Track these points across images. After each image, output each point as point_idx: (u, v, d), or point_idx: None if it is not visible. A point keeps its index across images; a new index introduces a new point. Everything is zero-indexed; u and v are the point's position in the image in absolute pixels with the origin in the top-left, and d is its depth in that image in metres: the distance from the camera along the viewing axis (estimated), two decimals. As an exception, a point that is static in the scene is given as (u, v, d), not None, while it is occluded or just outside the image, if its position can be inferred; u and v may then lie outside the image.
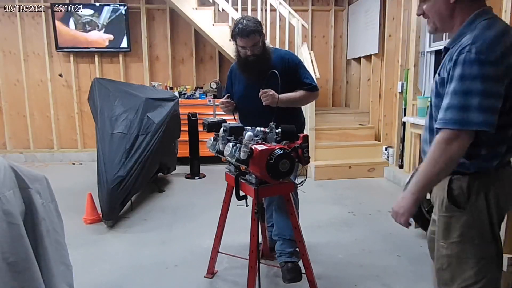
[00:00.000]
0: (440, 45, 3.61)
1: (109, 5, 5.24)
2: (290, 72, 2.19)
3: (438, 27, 1.26)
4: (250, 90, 2.19)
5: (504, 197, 1.22)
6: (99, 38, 5.30)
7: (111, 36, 5.31)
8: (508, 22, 2.51)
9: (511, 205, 1.28)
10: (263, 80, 2.05)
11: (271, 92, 2.05)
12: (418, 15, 1.30)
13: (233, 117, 2.33)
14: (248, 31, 2.05)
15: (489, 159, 1.19)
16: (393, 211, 1.29)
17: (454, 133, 1.11)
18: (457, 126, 1.10)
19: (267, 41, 2.33)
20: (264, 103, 2.08)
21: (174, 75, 5.65)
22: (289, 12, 4.71)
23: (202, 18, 4.77)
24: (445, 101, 1.13)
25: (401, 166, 4.29)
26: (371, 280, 2.24)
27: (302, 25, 4.77)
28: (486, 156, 1.19)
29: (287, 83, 2.15)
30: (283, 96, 2.10)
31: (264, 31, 2.19)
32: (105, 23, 5.27)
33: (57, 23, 5.17)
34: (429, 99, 1.33)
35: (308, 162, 1.78)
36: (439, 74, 1.23)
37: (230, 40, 4.90)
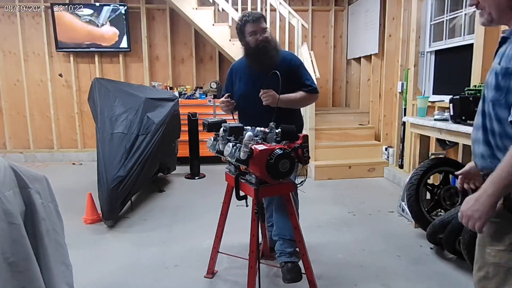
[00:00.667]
0: (440, 45, 3.61)
1: (109, 5, 5.24)
2: (292, 73, 2.21)
3: (495, 18, 1.15)
4: (251, 89, 2.19)
5: None
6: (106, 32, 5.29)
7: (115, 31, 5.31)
8: (508, 22, 2.51)
9: None
10: (265, 77, 2.05)
11: (272, 92, 2.06)
12: (471, 5, 1.20)
13: (232, 117, 2.32)
14: (256, 16, 2.14)
15: None
16: (465, 215, 1.12)
17: None
18: None
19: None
20: (264, 103, 2.08)
21: (174, 75, 5.65)
22: (289, 12, 4.71)
23: (202, 18, 4.77)
24: None
25: (401, 166, 4.29)
26: (371, 280, 2.23)
27: (302, 25, 4.77)
28: None
29: (288, 84, 2.17)
30: (283, 96, 2.10)
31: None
32: (104, 23, 5.26)
33: (62, 15, 5.16)
34: (481, 93, 1.23)
35: (308, 162, 1.78)
36: (499, 64, 1.10)
37: (230, 40, 4.87)
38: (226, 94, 2.26)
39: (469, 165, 1.38)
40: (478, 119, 1.20)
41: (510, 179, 1.02)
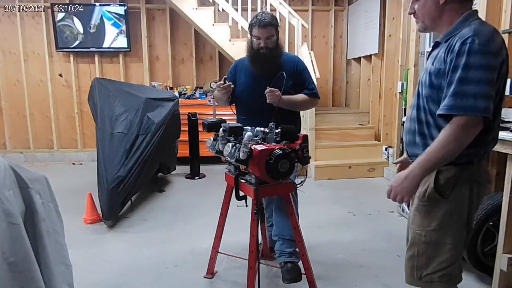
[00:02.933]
0: (440, 45, 3.61)
1: (108, 5, 5.24)
2: (297, 76, 2.25)
3: (427, 26, 1.34)
4: (254, 84, 2.20)
5: (483, 187, 1.34)
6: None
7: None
8: (508, 22, 2.51)
9: (484, 194, 1.41)
10: (269, 77, 2.06)
11: (278, 92, 2.06)
12: (410, 13, 1.38)
13: (230, 109, 2.31)
14: (265, 22, 2.12)
15: (480, 148, 1.26)
16: (393, 190, 1.29)
17: (470, 120, 1.15)
18: (467, 113, 1.15)
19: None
20: (268, 101, 2.08)
21: (174, 75, 5.65)
22: (289, 12, 4.71)
23: (202, 18, 4.77)
24: (451, 89, 1.17)
25: (401, 166, 4.29)
26: (371, 280, 2.24)
27: (302, 25, 4.77)
28: (477, 145, 1.23)
29: (293, 86, 2.20)
30: (286, 97, 2.12)
31: (279, 30, 2.24)
32: (96, 24, 5.25)
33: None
34: (417, 90, 1.40)
35: (308, 162, 1.78)
36: (433, 65, 1.28)
37: (230, 40, 4.87)
38: (224, 77, 2.19)
39: (405, 155, 1.56)
40: (413, 112, 1.38)
41: (434, 163, 1.21)
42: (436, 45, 1.33)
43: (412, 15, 1.38)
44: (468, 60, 1.15)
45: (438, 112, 1.21)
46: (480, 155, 1.28)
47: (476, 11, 1.29)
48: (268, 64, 2.16)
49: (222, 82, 2.18)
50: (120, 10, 5.24)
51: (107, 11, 5.24)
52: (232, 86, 2.20)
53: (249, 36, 2.27)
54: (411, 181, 1.24)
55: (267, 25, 2.13)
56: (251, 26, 2.18)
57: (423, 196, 1.33)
